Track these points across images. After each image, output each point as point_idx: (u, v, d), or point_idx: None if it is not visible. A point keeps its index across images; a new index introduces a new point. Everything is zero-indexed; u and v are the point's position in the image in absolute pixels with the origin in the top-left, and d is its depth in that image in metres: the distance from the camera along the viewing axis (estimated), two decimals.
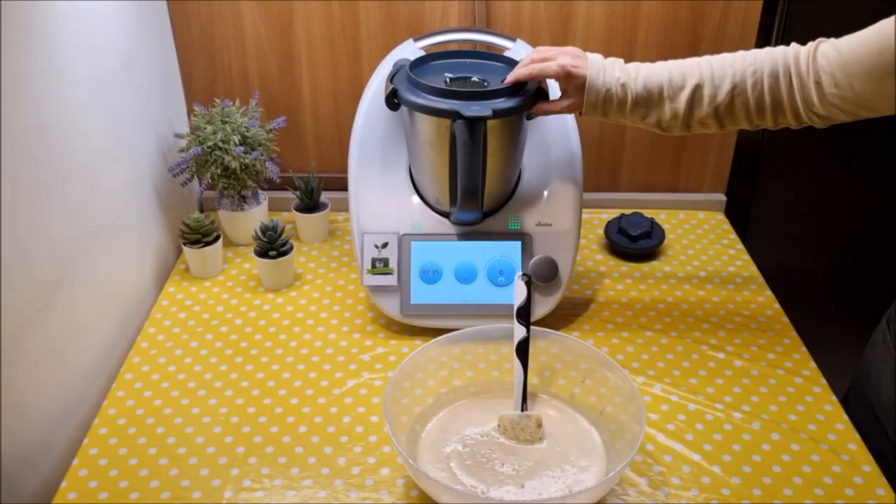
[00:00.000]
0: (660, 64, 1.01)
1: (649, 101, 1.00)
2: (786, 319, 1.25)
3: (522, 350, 1.01)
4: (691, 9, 1.37)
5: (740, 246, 1.44)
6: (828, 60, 0.91)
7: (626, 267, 1.38)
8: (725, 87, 0.96)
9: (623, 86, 1.00)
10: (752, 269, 1.37)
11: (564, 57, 1.02)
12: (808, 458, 1.00)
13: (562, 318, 1.25)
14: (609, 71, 1.01)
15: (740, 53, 0.98)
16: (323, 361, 1.16)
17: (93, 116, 1.11)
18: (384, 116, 1.23)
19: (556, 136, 1.23)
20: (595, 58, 1.02)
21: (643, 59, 1.04)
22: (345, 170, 1.25)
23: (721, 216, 1.53)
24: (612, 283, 1.34)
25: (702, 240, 1.45)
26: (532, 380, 1.06)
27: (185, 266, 1.36)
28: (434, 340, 1.05)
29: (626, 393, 1.00)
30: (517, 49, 1.23)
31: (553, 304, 1.21)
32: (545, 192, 1.22)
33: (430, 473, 0.93)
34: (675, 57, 1.02)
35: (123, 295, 1.21)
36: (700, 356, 1.17)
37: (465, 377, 1.09)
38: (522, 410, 1.01)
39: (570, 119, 1.24)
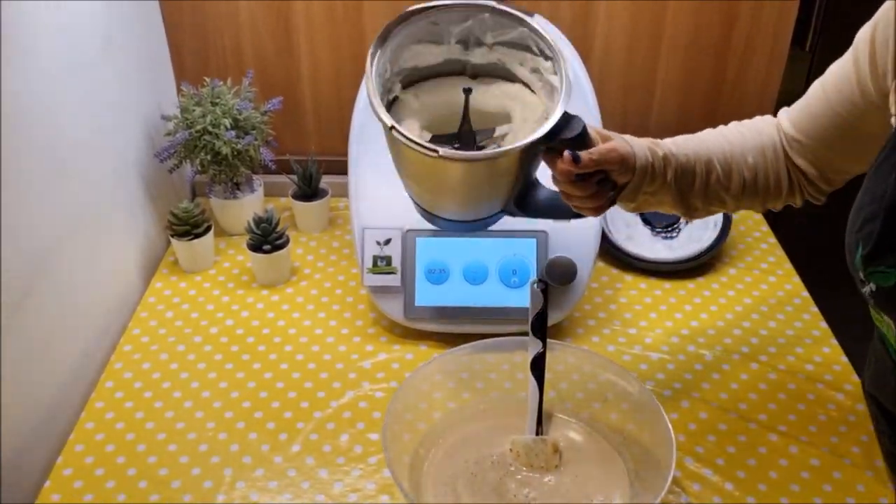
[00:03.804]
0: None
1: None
2: (822, 322, 1.15)
3: (538, 367, 0.91)
4: None
5: (773, 240, 1.33)
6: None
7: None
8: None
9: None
10: (787, 266, 1.27)
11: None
12: (852, 487, 0.90)
13: (579, 322, 1.15)
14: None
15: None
16: (320, 369, 1.07)
17: (70, 100, 1.01)
18: None
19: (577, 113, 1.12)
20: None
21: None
22: (346, 152, 1.15)
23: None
24: (635, 282, 1.23)
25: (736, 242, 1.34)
26: (548, 393, 0.96)
27: (174, 258, 1.26)
28: (436, 358, 0.95)
29: (649, 411, 0.90)
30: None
31: (569, 308, 1.11)
32: None
33: None
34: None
35: (106, 293, 1.12)
36: (731, 366, 1.07)
37: (475, 389, 1.00)
38: (538, 434, 0.91)
39: (591, 101, 1.13)
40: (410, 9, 0.79)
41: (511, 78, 0.85)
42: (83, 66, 1.05)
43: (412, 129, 0.81)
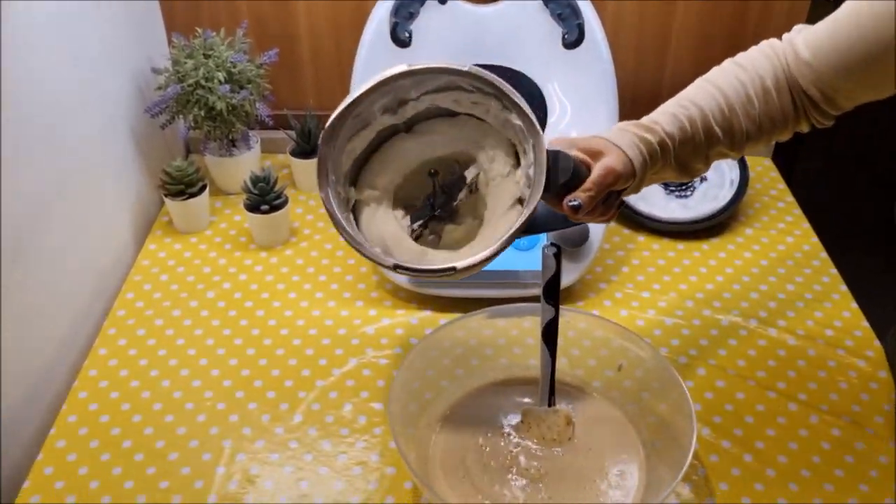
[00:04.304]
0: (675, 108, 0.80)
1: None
2: (842, 285, 1.10)
3: (550, 335, 0.87)
4: None
5: (790, 198, 1.28)
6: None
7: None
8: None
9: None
10: (805, 226, 1.22)
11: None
12: (875, 459, 0.87)
13: (590, 285, 1.11)
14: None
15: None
16: (321, 335, 1.03)
17: (53, 54, 0.95)
18: (389, 51, 1.07)
19: (590, 68, 1.06)
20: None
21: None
22: None
23: (768, 161, 1.37)
24: (648, 243, 1.19)
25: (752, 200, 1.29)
26: (559, 360, 0.92)
27: (168, 218, 1.21)
28: (444, 326, 0.91)
29: (666, 379, 0.87)
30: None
31: (581, 271, 1.07)
32: (573, 133, 1.07)
33: (447, 492, 0.81)
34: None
35: (97, 255, 1.07)
36: (748, 332, 1.03)
37: (483, 356, 0.96)
38: (550, 405, 0.88)
39: (605, 54, 1.07)
40: (329, 123, 0.71)
41: (451, 114, 0.77)
42: (67, 17, 0.98)
43: (387, 220, 0.76)
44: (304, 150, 1.26)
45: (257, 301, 1.08)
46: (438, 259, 0.74)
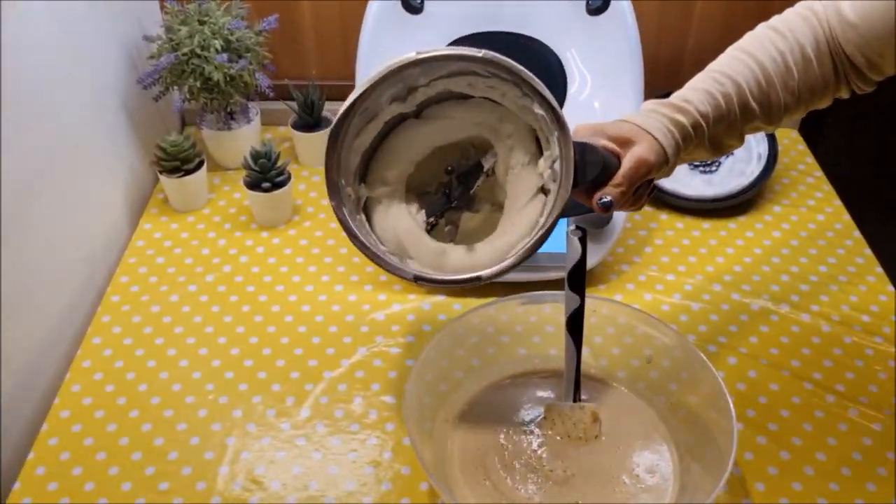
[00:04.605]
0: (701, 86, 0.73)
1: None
2: (877, 267, 1.05)
3: (575, 325, 0.81)
4: None
5: (819, 173, 1.21)
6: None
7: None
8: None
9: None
10: (836, 203, 1.16)
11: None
12: None
13: (611, 268, 1.05)
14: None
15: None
16: (328, 322, 0.97)
17: (37, 22, 0.87)
18: (398, 17, 1.00)
19: (614, 36, 0.99)
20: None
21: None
22: (351, 76, 1.02)
23: (795, 134, 1.30)
24: (671, 221, 1.13)
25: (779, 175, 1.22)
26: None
27: (163, 195, 1.15)
28: (463, 316, 0.85)
29: (696, 370, 0.81)
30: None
31: (603, 254, 1.01)
32: (595, 104, 1.00)
33: (466, 495, 0.76)
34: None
35: (88, 237, 1.01)
36: (780, 318, 0.98)
37: (500, 344, 0.90)
38: (575, 400, 0.82)
39: (630, 18, 1.00)
40: (335, 123, 0.64)
41: (464, 96, 0.69)
42: None
43: (401, 215, 0.70)
44: (307, 122, 1.19)
45: (259, 285, 1.02)
46: (458, 259, 0.69)
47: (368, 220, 0.70)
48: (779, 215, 1.13)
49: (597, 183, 0.67)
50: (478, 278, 0.67)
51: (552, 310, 0.92)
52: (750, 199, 1.14)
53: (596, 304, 0.90)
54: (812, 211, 1.14)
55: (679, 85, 0.74)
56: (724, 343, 0.94)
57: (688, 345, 0.84)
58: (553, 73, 1.02)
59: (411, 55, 0.63)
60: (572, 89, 1.03)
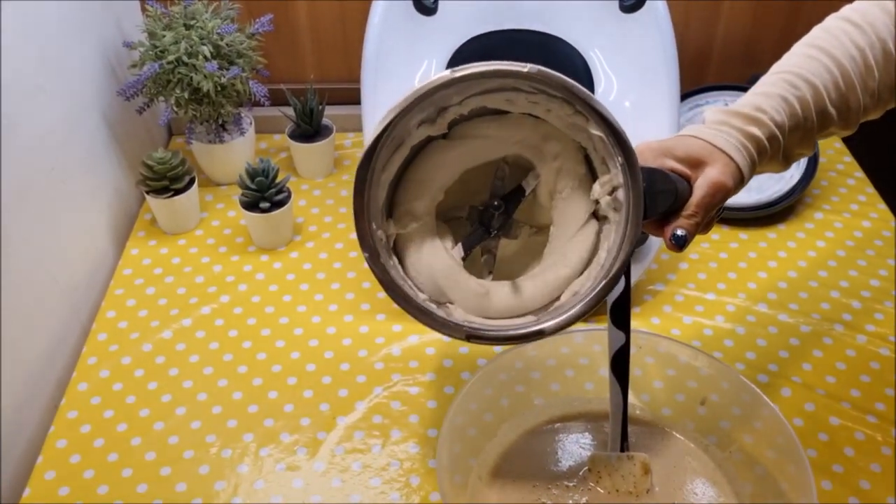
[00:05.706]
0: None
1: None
2: None
3: (621, 366, 0.72)
4: None
5: (860, 174, 1.13)
6: None
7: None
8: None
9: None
10: (881, 207, 1.07)
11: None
12: None
13: (643, 287, 0.96)
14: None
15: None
16: (339, 358, 0.88)
17: (5, 26, 0.77)
18: (408, 17, 0.90)
19: (647, 36, 0.90)
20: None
21: None
22: (352, 79, 0.93)
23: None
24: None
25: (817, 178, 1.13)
26: None
27: (151, 216, 1.05)
28: (492, 362, 0.77)
29: (750, 406, 0.74)
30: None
31: (638, 274, 0.92)
32: (626, 103, 0.91)
33: None
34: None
35: (69, 267, 0.91)
36: (834, 340, 0.89)
37: (529, 380, 0.82)
38: (622, 450, 0.73)
39: (663, 16, 0.91)
40: (361, 162, 0.55)
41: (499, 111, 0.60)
42: None
43: (435, 253, 0.60)
44: (306, 132, 1.09)
45: (261, 317, 0.93)
46: (504, 300, 0.60)
47: (400, 261, 0.61)
48: (821, 222, 1.05)
49: (667, 213, 0.59)
50: (540, 332, 0.58)
51: (584, 339, 0.84)
52: (789, 205, 1.05)
53: (633, 335, 0.81)
54: (856, 216, 1.05)
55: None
56: (776, 372, 0.86)
57: (737, 377, 0.76)
58: (578, 73, 0.93)
59: (446, 74, 0.53)
60: (599, 89, 0.93)
